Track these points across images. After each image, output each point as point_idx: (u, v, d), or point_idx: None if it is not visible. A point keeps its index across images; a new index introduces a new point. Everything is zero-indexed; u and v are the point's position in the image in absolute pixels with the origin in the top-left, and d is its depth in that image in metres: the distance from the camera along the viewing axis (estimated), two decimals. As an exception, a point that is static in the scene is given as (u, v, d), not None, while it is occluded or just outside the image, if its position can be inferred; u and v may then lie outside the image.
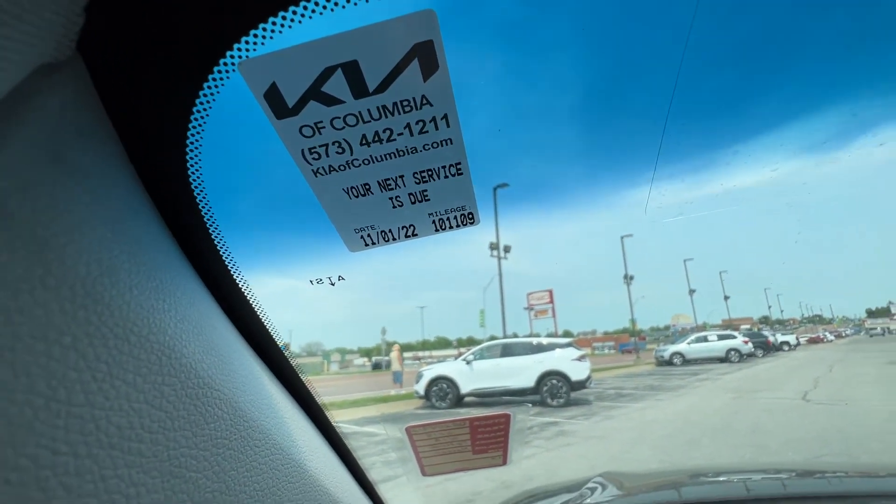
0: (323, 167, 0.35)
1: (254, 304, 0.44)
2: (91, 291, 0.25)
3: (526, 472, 4.80)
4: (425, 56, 0.30)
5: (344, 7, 0.30)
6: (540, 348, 10.20)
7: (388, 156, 0.35)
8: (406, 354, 14.73)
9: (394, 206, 0.38)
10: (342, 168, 0.35)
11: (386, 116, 0.33)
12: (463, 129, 0.34)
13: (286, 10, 0.29)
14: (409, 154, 0.35)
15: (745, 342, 20.70)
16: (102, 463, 0.24)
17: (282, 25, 0.29)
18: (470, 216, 0.39)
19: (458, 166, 0.36)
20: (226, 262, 0.41)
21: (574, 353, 9.86)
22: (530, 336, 13.82)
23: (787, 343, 28.07)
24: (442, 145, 0.35)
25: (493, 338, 12.31)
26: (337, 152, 0.34)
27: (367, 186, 0.37)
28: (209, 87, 0.32)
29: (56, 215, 0.25)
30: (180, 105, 0.32)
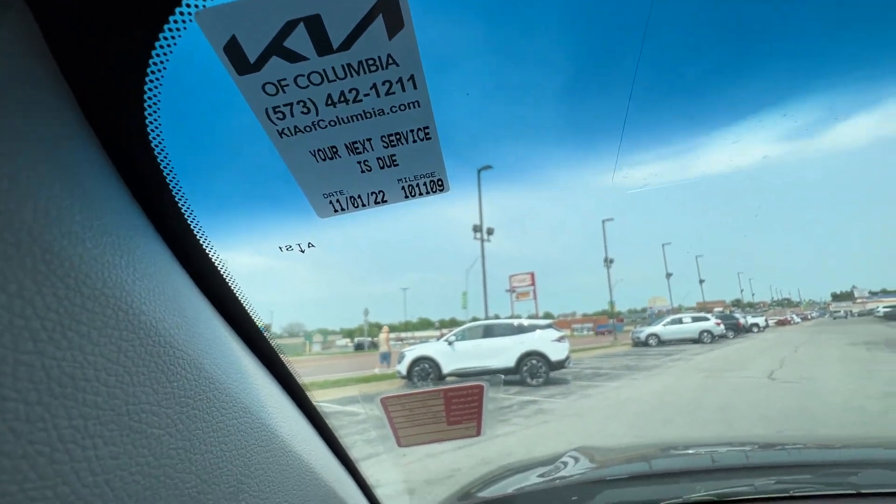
0: (288, 128, 0.34)
1: (223, 271, 0.43)
2: (38, 239, 0.24)
3: (504, 448, 4.93)
4: (390, 12, 0.30)
5: (305, -42, 0.28)
6: (521, 329, 10.38)
7: (354, 117, 0.34)
8: (382, 338, 14.78)
9: (362, 171, 0.37)
10: (308, 129, 0.34)
11: (351, 76, 0.32)
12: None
13: None
14: (376, 116, 0.34)
15: (718, 324, 21.46)
16: (55, 412, 0.24)
17: (241, -26, 0.28)
18: (440, 183, 0.39)
19: (427, 131, 0.36)
20: (191, 226, 0.40)
21: (554, 334, 10.07)
22: (511, 318, 14.03)
23: (756, 325, 29.19)
24: (409, 108, 0.34)
25: (475, 319, 12.47)
26: (302, 112, 0.34)
27: (335, 149, 0.36)
28: (165, 39, 0.30)
29: None
30: (135, 54, 0.31)
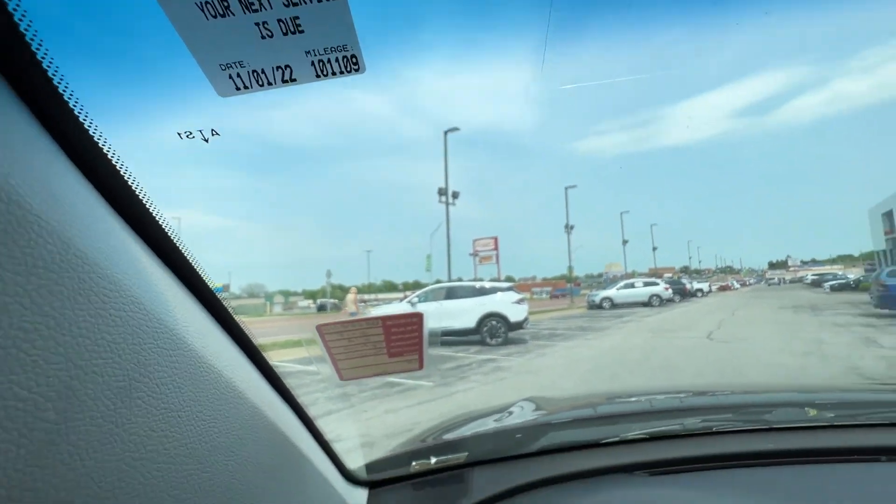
0: None
1: (137, 189, 0.37)
2: None
3: (463, 403, 5.12)
4: None
5: None
6: (482, 291, 10.60)
7: None
8: (349, 299, 14.71)
9: (263, 36, 0.32)
10: None
11: None
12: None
13: None
14: None
15: (666, 289, 22.81)
16: None
17: None
18: (354, 60, 0.34)
19: None
20: (81, 121, 0.34)
21: (514, 296, 10.35)
22: (474, 280, 14.27)
23: (700, 290, 31.36)
24: None
25: (438, 282, 12.58)
26: None
27: (226, 3, 0.30)
28: None
29: None
30: None
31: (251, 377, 0.51)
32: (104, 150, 0.34)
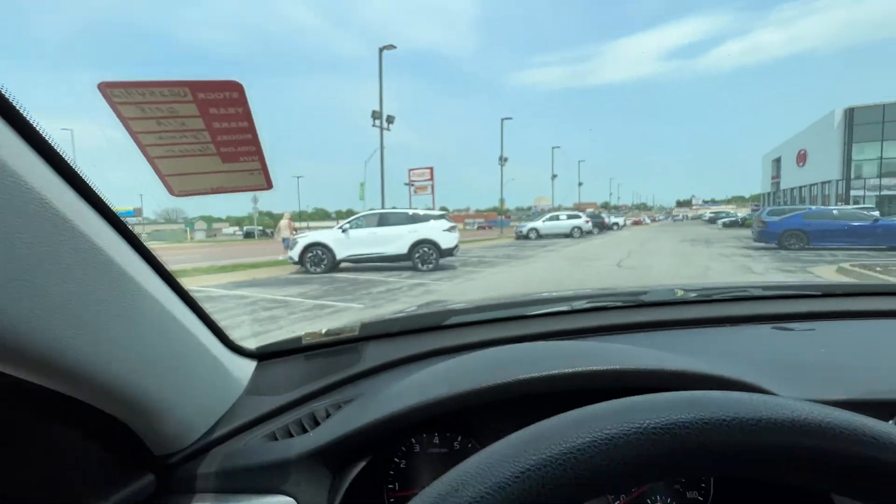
0: None
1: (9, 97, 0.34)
2: None
3: (392, 322, 5.36)
4: None
5: None
6: (414, 219, 10.67)
7: None
8: (283, 224, 13.99)
9: None
10: None
11: None
12: None
13: None
14: None
15: (587, 222, 24.51)
16: None
17: None
18: None
19: None
20: None
21: (445, 224, 10.56)
22: (407, 208, 14.23)
23: (616, 224, 34.10)
24: None
25: (372, 210, 12.36)
26: None
27: None
28: None
29: None
30: None
31: (140, 268, 0.49)
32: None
